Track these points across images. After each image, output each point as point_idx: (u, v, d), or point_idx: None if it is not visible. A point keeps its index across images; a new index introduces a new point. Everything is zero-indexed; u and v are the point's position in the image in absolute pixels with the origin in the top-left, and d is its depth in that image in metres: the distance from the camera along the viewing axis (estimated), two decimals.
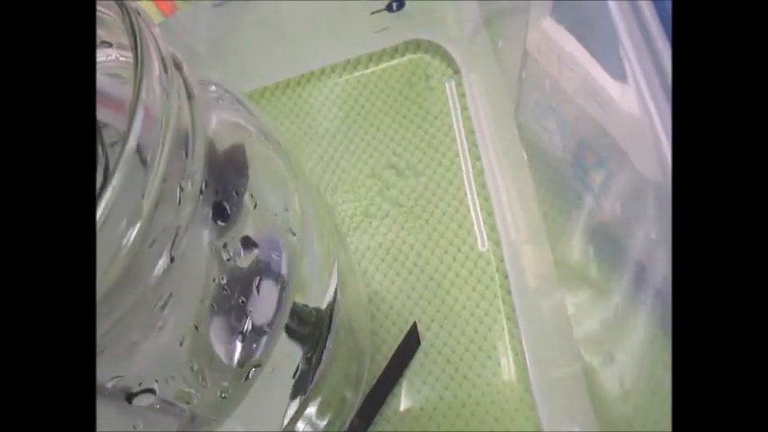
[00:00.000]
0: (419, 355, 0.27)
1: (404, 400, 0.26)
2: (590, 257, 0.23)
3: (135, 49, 0.11)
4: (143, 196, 0.11)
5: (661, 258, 0.16)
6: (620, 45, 0.16)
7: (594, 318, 0.23)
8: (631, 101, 0.16)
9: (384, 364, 0.27)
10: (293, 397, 0.19)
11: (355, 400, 0.26)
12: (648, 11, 0.15)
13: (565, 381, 0.24)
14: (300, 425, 0.21)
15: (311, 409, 0.21)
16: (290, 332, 0.16)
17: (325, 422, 0.24)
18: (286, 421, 0.19)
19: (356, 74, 0.33)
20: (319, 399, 0.22)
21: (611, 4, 0.16)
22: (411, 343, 0.27)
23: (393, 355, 0.27)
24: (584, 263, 0.23)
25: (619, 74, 0.17)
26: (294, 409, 0.19)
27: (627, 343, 0.20)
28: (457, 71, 0.31)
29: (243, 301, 0.14)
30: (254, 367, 0.15)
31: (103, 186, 0.11)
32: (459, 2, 0.31)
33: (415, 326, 0.27)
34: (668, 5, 0.15)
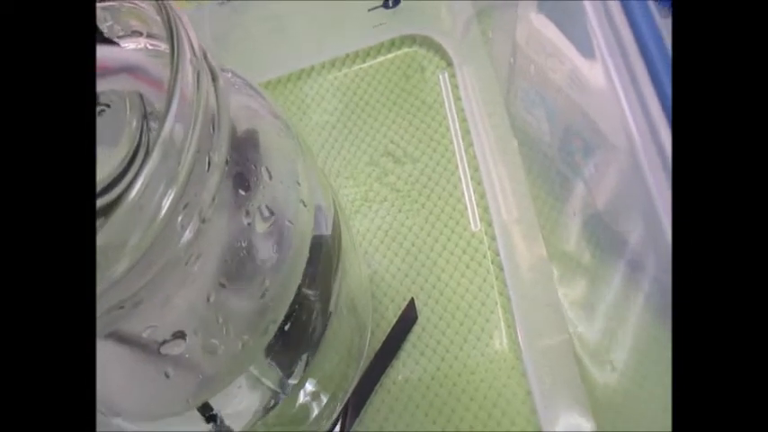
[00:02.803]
0: (417, 329, 0.28)
1: (403, 371, 0.28)
2: (581, 240, 0.24)
3: (170, 36, 0.13)
4: (179, 165, 0.13)
5: (652, 241, 0.17)
6: (591, 34, 0.18)
7: (586, 301, 0.24)
8: (602, 83, 0.18)
9: (384, 339, 0.28)
10: (299, 360, 0.21)
11: (356, 371, 0.27)
12: (614, 4, 0.17)
13: (553, 349, 0.26)
14: (302, 395, 0.23)
15: (314, 380, 0.23)
16: (302, 293, 0.17)
17: (328, 393, 0.25)
18: (292, 383, 0.21)
19: (354, 67, 0.34)
20: (323, 371, 0.23)
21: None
22: (409, 318, 0.28)
23: (392, 330, 0.28)
24: (576, 246, 0.25)
25: (593, 59, 0.18)
26: (300, 373, 0.21)
27: (618, 323, 0.22)
28: (450, 63, 0.33)
29: (261, 262, 0.16)
30: (271, 323, 0.16)
31: (146, 156, 0.12)
32: None
33: (412, 301, 0.28)
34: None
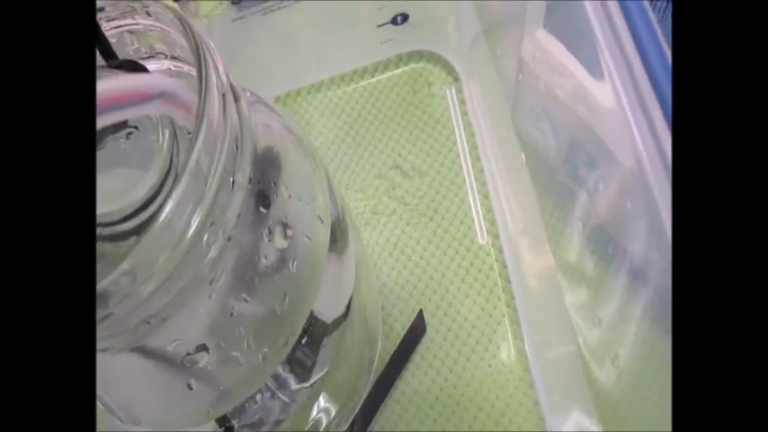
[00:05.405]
0: (425, 340, 0.29)
1: (412, 382, 0.28)
2: (586, 251, 0.25)
3: (198, 64, 0.13)
4: (206, 186, 0.13)
5: (656, 252, 0.17)
6: (600, 53, 0.19)
7: (593, 310, 0.25)
8: (610, 100, 0.18)
9: (393, 350, 0.29)
10: (314, 372, 0.21)
11: (367, 383, 0.28)
12: (620, 23, 0.18)
13: (560, 360, 0.26)
14: (314, 407, 0.23)
15: (326, 392, 0.23)
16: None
17: (338, 404, 0.26)
18: (306, 395, 0.22)
19: (363, 82, 0.35)
20: (335, 382, 0.24)
21: (592, 18, 0.18)
22: (418, 329, 0.29)
23: (401, 341, 0.29)
24: (581, 257, 0.25)
25: (600, 77, 0.19)
26: (313, 385, 0.21)
27: (623, 331, 0.22)
28: (457, 79, 0.34)
29: (281, 278, 0.16)
30: (291, 336, 0.17)
31: (176, 179, 0.13)
32: (459, 15, 0.34)
33: (421, 313, 0.29)
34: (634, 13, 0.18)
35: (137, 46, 0.17)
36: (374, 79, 0.35)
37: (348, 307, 0.21)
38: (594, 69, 0.19)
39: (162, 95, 0.13)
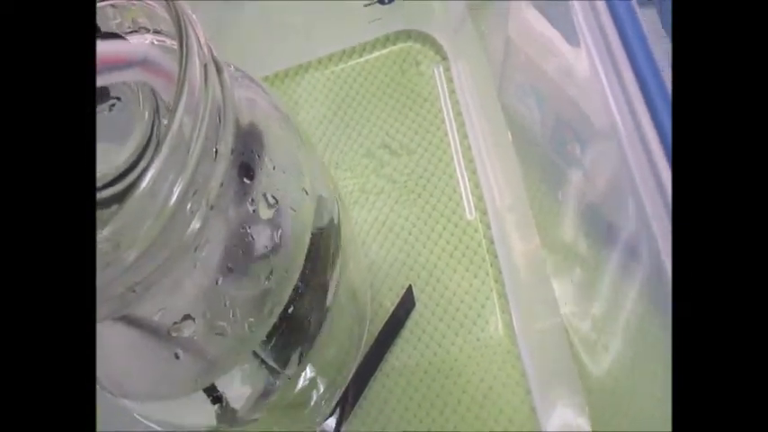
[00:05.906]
0: (414, 315, 0.29)
1: (401, 356, 0.28)
2: (571, 227, 0.25)
3: (179, 31, 0.13)
4: (188, 154, 0.13)
5: (642, 228, 0.17)
6: (578, 27, 0.19)
7: (576, 286, 0.25)
8: (586, 70, 0.19)
9: (382, 326, 0.29)
10: (301, 345, 0.21)
11: (356, 358, 0.28)
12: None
13: (547, 333, 0.27)
14: (302, 380, 0.24)
15: (315, 366, 0.24)
16: (305, 278, 0.18)
17: (327, 378, 0.26)
18: (294, 368, 0.22)
19: (351, 62, 0.35)
20: (323, 357, 0.24)
21: None
22: (407, 305, 0.29)
23: (390, 317, 0.29)
24: (566, 231, 0.25)
25: (581, 53, 0.19)
26: (301, 358, 0.22)
27: (605, 304, 0.22)
28: (444, 58, 0.34)
29: (266, 247, 0.17)
30: (276, 305, 0.17)
31: (157, 147, 0.13)
32: None
33: (410, 289, 0.29)
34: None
35: (119, 20, 0.17)
36: (362, 59, 0.35)
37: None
38: (576, 44, 0.20)
39: (144, 62, 0.13)
